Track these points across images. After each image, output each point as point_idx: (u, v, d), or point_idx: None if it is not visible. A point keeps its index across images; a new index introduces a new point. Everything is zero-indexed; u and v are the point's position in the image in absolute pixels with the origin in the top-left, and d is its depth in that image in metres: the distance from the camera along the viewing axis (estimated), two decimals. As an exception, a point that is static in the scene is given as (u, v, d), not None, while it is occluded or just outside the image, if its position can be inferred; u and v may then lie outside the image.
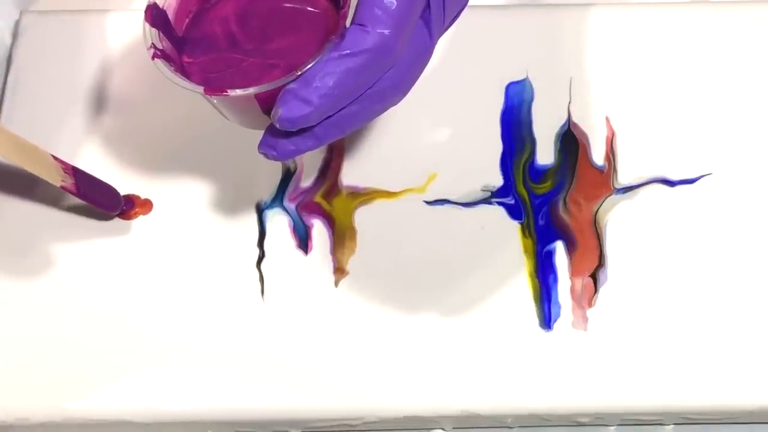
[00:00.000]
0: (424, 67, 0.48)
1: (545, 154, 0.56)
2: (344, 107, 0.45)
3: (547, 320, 0.52)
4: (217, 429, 0.52)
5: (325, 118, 0.45)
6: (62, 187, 0.51)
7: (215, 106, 0.48)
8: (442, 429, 0.53)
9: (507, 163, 0.56)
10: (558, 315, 0.52)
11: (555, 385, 0.51)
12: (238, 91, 0.46)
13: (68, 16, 0.60)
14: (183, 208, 0.55)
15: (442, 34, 0.48)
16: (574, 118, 0.57)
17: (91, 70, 0.58)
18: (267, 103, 0.46)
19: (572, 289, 0.53)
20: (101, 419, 0.51)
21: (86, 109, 0.57)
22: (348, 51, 0.44)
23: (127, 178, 0.55)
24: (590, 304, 0.52)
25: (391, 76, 0.46)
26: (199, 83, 0.48)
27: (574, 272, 0.53)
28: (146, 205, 0.55)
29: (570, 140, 0.56)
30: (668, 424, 0.53)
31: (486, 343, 0.52)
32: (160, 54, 0.47)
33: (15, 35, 0.59)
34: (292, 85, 0.45)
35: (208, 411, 0.51)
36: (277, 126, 0.45)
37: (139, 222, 0.55)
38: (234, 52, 0.49)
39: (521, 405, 0.51)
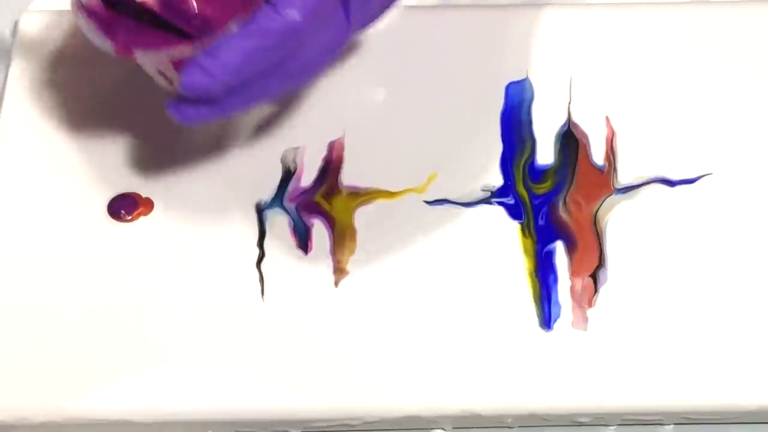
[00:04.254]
0: (337, 51, 0.48)
1: (545, 154, 0.56)
2: (250, 83, 0.45)
3: (547, 320, 0.52)
4: (217, 429, 0.52)
5: (232, 92, 0.45)
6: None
7: (146, 70, 0.48)
8: (442, 429, 0.53)
9: (507, 163, 0.56)
10: (558, 315, 0.52)
11: (555, 385, 0.51)
12: (147, 54, 0.46)
13: (68, 16, 0.59)
14: (183, 207, 0.55)
15: (369, 22, 0.48)
16: (574, 118, 0.57)
17: (91, 70, 0.58)
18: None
19: (572, 289, 0.53)
20: (101, 419, 0.51)
21: (86, 109, 0.57)
22: (256, 29, 0.44)
23: (127, 177, 0.55)
24: (590, 304, 0.52)
25: (301, 56, 0.46)
26: (119, 44, 0.48)
27: (574, 272, 0.53)
28: (148, 204, 0.55)
29: (570, 140, 0.56)
30: (668, 424, 0.53)
31: (486, 343, 0.52)
32: (84, 10, 0.47)
33: (15, 35, 0.59)
34: (198, 56, 0.45)
35: (208, 411, 0.51)
36: (180, 91, 0.45)
37: (139, 222, 0.55)
38: (160, 17, 0.48)
39: (521, 405, 0.51)
